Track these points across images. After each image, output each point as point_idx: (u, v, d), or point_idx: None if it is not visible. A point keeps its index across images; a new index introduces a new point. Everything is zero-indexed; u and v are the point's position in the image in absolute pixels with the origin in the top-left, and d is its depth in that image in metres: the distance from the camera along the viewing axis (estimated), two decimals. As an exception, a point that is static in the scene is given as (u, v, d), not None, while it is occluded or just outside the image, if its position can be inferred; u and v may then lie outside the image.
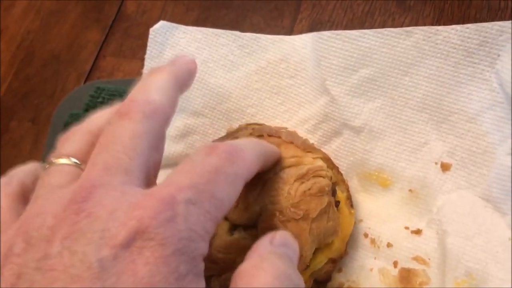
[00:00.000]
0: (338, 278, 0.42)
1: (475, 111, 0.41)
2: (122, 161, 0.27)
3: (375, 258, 0.42)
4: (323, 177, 0.39)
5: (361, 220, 0.43)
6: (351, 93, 0.45)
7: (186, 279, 0.24)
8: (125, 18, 0.61)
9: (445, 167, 0.42)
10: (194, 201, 0.25)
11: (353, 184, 0.45)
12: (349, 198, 0.42)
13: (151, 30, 0.50)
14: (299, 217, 0.37)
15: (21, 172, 0.32)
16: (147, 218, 0.24)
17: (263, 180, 0.38)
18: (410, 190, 0.42)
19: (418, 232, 0.41)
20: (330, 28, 0.54)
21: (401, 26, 0.52)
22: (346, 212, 0.41)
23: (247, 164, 0.30)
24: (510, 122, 0.40)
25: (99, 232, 0.23)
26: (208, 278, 0.38)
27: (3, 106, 0.61)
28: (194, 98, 0.49)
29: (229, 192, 0.28)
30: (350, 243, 0.42)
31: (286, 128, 0.45)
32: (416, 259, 0.40)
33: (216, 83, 0.49)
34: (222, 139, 0.44)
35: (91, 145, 0.30)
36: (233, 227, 0.39)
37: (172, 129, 0.49)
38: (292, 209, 0.37)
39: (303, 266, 0.38)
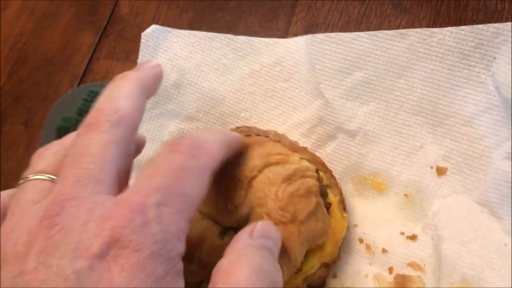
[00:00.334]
0: (333, 283, 0.42)
1: (471, 114, 0.41)
2: (92, 172, 0.27)
3: (370, 264, 0.41)
4: (310, 177, 0.39)
5: (356, 225, 0.43)
6: (345, 97, 0.45)
7: (165, 280, 0.24)
8: (118, 20, 0.61)
9: (440, 171, 0.41)
10: (164, 202, 0.25)
11: (348, 188, 0.44)
12: (341, 202, 0.42)
13: (143, 34, 0.49)
14: (287, 219, 0.36)
15: (2, 193, 0.32)
16: (119, 228, 0.24)
17: (249, 178, 0.37)
18: (405, 195, 0.42)
19: (413, 237, 0.40)
20: (326, 30, 0.53)
21: (397, 28, 0.51)
22: (338, 216, 0.41)
23: (211, 155, 0.30)
24: (506, 125, 0.39)
25: (73, 245, 0.24)
26: (199, 283, 0.38)
27: (-4, 109, 0.60)
28: (187, 103, 0.49)
29: (197, 186, 0.28)
30: (345, 248, 0.42)
31: (276, 131, 0.45)
32: (412, 265, 0.40)
33: (210, 87, 0.49)
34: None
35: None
36: (223, 231, 0.38)
37: (166, 134, 0.49)
38: (279, 212, 0.36)
39: (294, 269, 0.37)
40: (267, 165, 0.38)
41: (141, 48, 0.49)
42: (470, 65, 0.41)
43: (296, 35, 0.54)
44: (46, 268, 0.23)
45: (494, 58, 0.40)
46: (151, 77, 0.34)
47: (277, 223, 0.36)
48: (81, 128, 0.29)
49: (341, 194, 0.42)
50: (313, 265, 0.39)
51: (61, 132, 0.53)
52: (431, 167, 0.41)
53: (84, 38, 0.61)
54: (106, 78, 0.58)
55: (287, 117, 0.47)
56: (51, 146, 0.32)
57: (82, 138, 0.29)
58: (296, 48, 0.47)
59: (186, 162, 0.28)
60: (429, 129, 0.42)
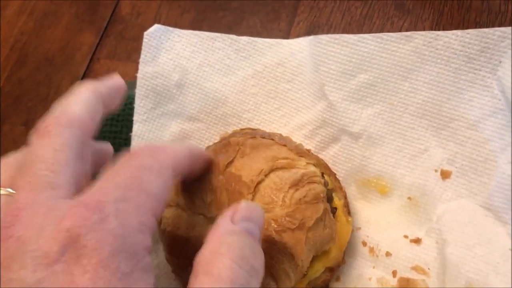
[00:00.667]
0: (336, 286, 0.41)
1: (476, 118, 0.40)
2: (46, 178, 0.27)
3: (373, 267, 0.41)
4: (318, 183, 0.39)
5: (359, 228, 0.42)
6: (349, 99, 0.44)
7: (132, 276, 0.24)
8: (119, 20, 0.61)
9: (445, 175, 0.41)
10: (122, 198, 0.25)
11: (351, 191, 0.44)
12: (346, 205, 0.42)
13: (146, 34, 0.49)
14: (295, 226, 0.36)
15: None
16: (76, 227, 0.23)
17: (255, 183, 0.37)
18: (409, 198, 0.42)
19: (417, 241, 0.40)
20: (328, 31, 0.53)
21: (400, 30, 0.51)
22: (343, 220, 0.41)
23: (170, 155, 0.30)
24: (511, 129, 0.39)
25: (30, 253, 0.23)
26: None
27: (-4, 109, 0.60)
28: (189, 103, 0.48)
29: (157, 183, 0.28)
30: (349, 251, 0.42)
31: (281, 134, 0.45)
32: (416, 268, 0.39)
33: (212, 88, 0.48)
34: (215, 144, 0.43)
35: None
36: None
37: (168, 134, 0.49)
38: (287, 218, 0.36)
39: (301, 275, 0.37)
40: (273, 169, 0.38)
41: (143, 48, 0.49)
42: (476, 69, 0.41)
43: (298, 35, 0.54)
44: (8, 282, 0.23)
45: (500, 62, 0.40)
46: (109, 86, 0.34)
47: (284, 229, 0.35)
48: (33, 136, 0.29)
49: (345, 197, 0.42)
50: (318, 269, 0.39)
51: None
52: (436, 171, 0.41)
53: (85, 38, 0.61)
54: (107, 78, 0.58)
55: (290, 119, 0.47)
56: (6, 159, 0.32)
57: (34, 146, 0.28)
58: (299, 49, 0.47)
59: (143, 162, 0.28)
60: (434, 132, 0.42)
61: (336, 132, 0.45)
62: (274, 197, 0.37)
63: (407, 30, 0.51)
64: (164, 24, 0.58)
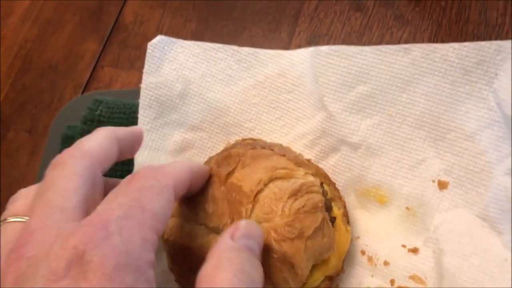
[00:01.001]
0: (335, 294, 0.42)
1: (473, 129, 0.41)
2: (56, 203, 0.29)
3: (372, 276, 0.42)
4: (316, 193, 0.39)
5: (358, 237, 0.43)
6: (348, 110, 0.45)
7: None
8: (122, 28, 0.61)
9: (442, 185, 0.42)
10: (125, 216, 0.27)
11: (351, 200, 0.45)
12: (345, 215, 0.42)
13: (149, 44, 0.50)
14: (294, 235, 0.37)
15: None
16: (81, 244, 0.25)
17: (255, 192, 0.38)
18: (407, 208, 0.42)
19: (415, 250, 0.41)
20: (328, 42, 0.54)
21: (399, 40, 0.52)
22: (342, 229, 0.41)
23: (170, 176, 0.32)
24: (507, 141, 0.40)
25: (41, 271, 0.25)
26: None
27: (0, 115, 0.61)
28: (192, 113, 0.49)
29: (158, 202, 0.29)
30: (347, 260, 0.42)
31: (281, 144, 0.45)
32: (413, 278, 0.40)
33: (214, 98, 0.49)
34: (218, 155, 0.44)
35: None
36: None
37: (170, 144, 0.49)
38: (286, 228, 0.37)
39: (300, 284, 0.38)
40: (272, 179, 0.39)
41: (146, 59, 0.50)
42: (472, 81, 0.42)
43: (299, 45, 0.55)
44: None
45: (496, 74, 0.41)
46: (127, 132, 0.36)
47: (284, 239, 0.36)
48: (49, 168, 0.31)
49: (344, 207, 0.43)
50: (318, 278, 0.39)
51: (66, 140, 0.54)
52: (433, 181, 0.42)
53: (88, 45, 0.62)
54: (110, 85, 0.59)
55: (291, 128, 0.48)
56: (26, 190, 0.34)
57: (48, 176, 0.30)
58: (300, 61, 0.48)
59: (145, 182, 0.30)
60: (431, 143, 0.43)
61: (336, 142, 0.45)
62: (273, 207, 0.38)
63: (406, 41, 0.52)
64: (166, 32, 0.59)
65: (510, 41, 0.41)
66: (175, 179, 0.32)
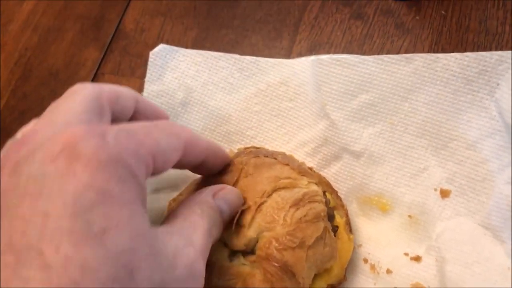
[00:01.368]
0: (338, 303, 0.42)
1: (475, 138, 0.41)
2: (61, 118, 0.30)
3: (374, 284, 0.42)
4: (319, 202, 0.40)
5: (360, 245, 0.43)
6: (351, 118, 0.45)
7: (127, 184, 0.26)
8: (123, 36, 0.61)
9: (444, 194, 0.42)
10: (127, 131, 0.28)
11: (353, 208, 0.45)
12: (348, 223, 0.43)
13: (151, 53, 0.50)
14: (295, 245, 0.37)
15: None
16: (78, 135, 0.26)
17: (258, 203, 0.38)
18: (409, 216, 0.43)
19: (417, 259, 0.41)
20: (329, 50, 0.54)
21: (400, 49, 0.52)
22: (345, 238, 0.41)
23: (187, 132, 0.33)
24: (509, 150, 0.40)
25: (37, 155, 0.25)
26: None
27: (1, 124, 0.60)
28: (194, 121, 0.49)
29: (165, 140, 0.30)
30: (350, 268, 0.42)
31: (284, 152, 0.46)
32: (416, 286, 0.40)
33: (216, 106, 0.49)
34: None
35: None
36: (232, 253, 0.39)
37: (172, 151, 0.49)
38: (288, 237, 0.37)
39: None
40: (275, 190, 0.39)
41: (148, 67, 0.50)
42: (474, 91, 0.42)
43: (300, 53, 0.55)
44: (16, 177, 0.25)
45: (498, 84, 0.41)
46: (151, 104, 0.39)
47: (285, 248, 0.36)
48: (62, 95, 0.33)
49: (347, 215, 0.43)
50: (320, 287, 0.39)
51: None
52: (435, 189, 0.42)
53: (89, 53, 0.62)
54: (111, 93, 0.59)
55: (292, 136, 0.48)
56: (36, 118, 0.35)
57: (59, 99, 0.32)
58: (301, 69, 0.48)
59: (161, 124, 0.31)
60: (433, 152, 0.43)
61: (338, 150, 0.46)
62: (275, 216, 0.38)
63: (406, 50, 0.52)
64: (167, 40, 0.59)
65: (511, 51, 0.41)
66: (191, 138, 0.33)
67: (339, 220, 0.42)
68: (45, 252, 0.22)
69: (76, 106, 0.31)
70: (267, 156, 0.42)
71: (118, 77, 0.60)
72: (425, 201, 0.42)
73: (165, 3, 0.62)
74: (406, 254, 0.42)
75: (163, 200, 0.46)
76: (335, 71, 0.46)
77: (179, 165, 0.34)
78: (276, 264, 0.36)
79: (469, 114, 0.42)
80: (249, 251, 0.38)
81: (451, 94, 0.43)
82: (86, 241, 0.23)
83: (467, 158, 0.42)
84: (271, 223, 0.37)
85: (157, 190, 0.48)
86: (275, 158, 0.42)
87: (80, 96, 0.32)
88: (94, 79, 0.60)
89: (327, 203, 0.41)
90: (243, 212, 0.38)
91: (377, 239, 0.43)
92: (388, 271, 0.42)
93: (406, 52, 0.52)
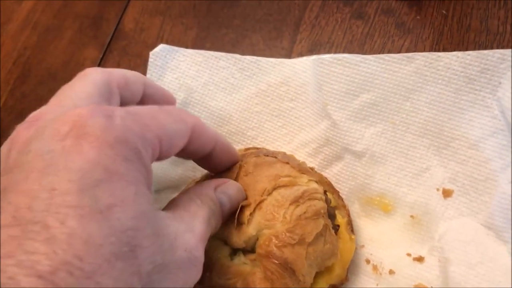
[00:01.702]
0: (339, 303, 0.42)
1: (477, 137, 0.41)
2: (70, 99, 0.32)
3: (377, 285, 0.42)
4: (318, 199, 0.39)
5: (362, 246, 0.43)
6: (352, 118, 0.45)
7: (134, 164, 0.26)
8: (123, 36, 0.61)
9: (446, 194, 0.42)
10: (134, 114, 0.28)
11: (355, 208, 0.45)
12: (349, 223, 0.42)
13: (151, 53, 0.50)
14: (295, 241, 0.37)
15: None
16: (86, 115, 0.26)
17: (258, 201, 0.38)
18: (411, 216, 0.42)
19: (420, 259, 0.41)
20: (330, 50, 0.54)
21: (401, 48, 0.52)
22: (346, 238, 0.41)
23: (195, 118, 0.33)
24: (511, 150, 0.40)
25: (48, 132, 0.26)
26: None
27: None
28: (194, 121, 0.49)
29: (172, 125, 0.30)
30: (352, 268, 0.42)
31: (284, 152, 0.45)
32: (418, 286, 0.40)
33: (217, 106, 0.49)
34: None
35: None
36: (233, 252, 0.39)
37: (172, 152, 0.49)
38: (287, 234, 0.37)
39: None
40: (275, 188, 0.38)
41: (149, 67, 0.50)
42: (476, 89, 0.42)
43: (300, 53, 0.54)
44: (24, 154, 0.26)
45: (500, 83, 0.41)
46: (159, 87, 0.40)
47: (285, 245, 0.36)
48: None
49: (348, 215, 0.42)
50: (322, 287, 0.39)
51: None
52: (437, 189, 0.42)
53: (88, 53, 0.62)
54: (110, 93, 0.58)
55: (293, 137, 0.48)
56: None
57: (69, 82, 0.34)
58: (302, 69, 0.48)
59: (169, 108, 0.32)
60: (435, 152, 0.43)
61: (340, 150, 0.45)
62: (275, 214, 0.37)
63: (407, 49, 0.52)
64: (167, 40, 0.59)
65: (513, 50, 0.41)
66: (199, 125, 0.33)
67: (340, 220, 0.41)
68: (50, 226, 0.23)
69: (85, 90, 0.32)
70: (267, 155, 0.42)
71: (117, 77, 0.59)
72: (428, 201, 0.42)
73: (164, 3, 0.61)
74: (409, 255, 0.42)
75: (164, 200, 0.46)
76: (336, 71, 0.45)
77: (185, 153, 0.34)
78: (276, 262, 0.36)
79: (471, 113, 0.42)
80: (249, 249, 0.38)
81: (453, 93, 0.42)
82: (92, 217, 0.23)
83: (470, 157, 0.41)
84: (271, 220, 0.37)
85: (158, 191, 0.48)
86: (275, 157, 0.42)
87: (89, 80, 0.33)
88: (93, 79, 0.60)
89: (327, 201, 0.40)
90: (243, 210, 0.38)
91: (379, 239, 0.43)
92: (391, 272, 0.41)
93: (407, 51, 0.51)
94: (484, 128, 0.41)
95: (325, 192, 0.41)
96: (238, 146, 0.48)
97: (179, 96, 0.49)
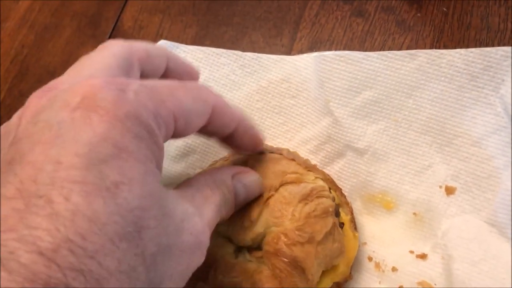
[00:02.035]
0: (342, 301, 0.42)
1: (480, 135, 0.41)
2: (87, 71, 0.31)
3: (379, 282, 0.41)
4: (326, 197, 0.39)
5: (365, 243, 0.43)
6: (354, 115, 0.45)
7: (144, 142, 0.25)
8: (121, 34, 0.61)
9: (449, 191, 0.42)
10: (150, 88, 0.27)
11: (357, 206, 0.44)
12: (352, 221, 0.42)
13: (152, 49, 0.49)
14: (304, 240, 0.36)
15: None
16: (98, 87, 0.25)
17: (265, 198, 0.38)
18: (414, 214, 0.42)
19: (423, 256, 0.41)
20: (330, 47, 0.54)
21: (401, 46, 0.52)
22: (350, 235, 0.41)
23: (216, 96, 0.32)
24: (514, 147, 0.40)
25: (58, 103, 0.25)
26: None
27: (-3, 122, 0.60)
28: (195, 118, 0.49)
29: (191, 102, 0.29)
30: (355, 266, 0.42)
31: (288, 149, 0.45)
32: (422, 284, 0.40)
33: (217, 103, 0.49)
34: (223, 160, 0.43)
35: None
36: (238, 250, 0.39)
37: (173, 149, 0.49)
38: (297, 232, 0.36)
39: None
40: (282, 184, 0.38)
41: (149, 64, 0.49)
42: (479, 87, 0.42)
43: (300, 51, 0.54)
44: (33, 125, 0.25)
45: (503, 80, 0.41)
46: (182, 62, 0.39)
47: (294, 243, 0.36)
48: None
49: (352, 213, 0.42)
50: (326, 285, 0.39)
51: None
52: (440, 187, 0.42)
53: (87, 51, 0.60)
54: (109, 91, 0.58)
55: (295, 134, 0.47)
56: None
57: (89, 53, 0.33)
58: (304, 66, 0.48)
59: (189, 84, 0.31)
60: (438, 149, 0.43)
61: (341, 147, 0.45)
62: (283, 211, 0.37)
63: (408, 47, 0.52)
64: (166, 38, 0.58)
65: (516, 47, 0.41)
66: (220, 103, 0.32)
67: (344, 217, 0.41)
68: (54, 201, 0.22)
69: (104, 61, 0.31)
70: (272, 152, 0.42)
71: (116, 75, 0.59)
72: (430, 199, 0.42)
73: (163, 1, 0.61)
74: (412, 252, 0.41)
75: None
76: (339, 67, 0.45)
77: (205, 132, 0.33)
78: (285, 260, 0.36)
79: (474, 111, 0.42)
80: (255, 247, 0.38)
81: (455, 91, 0.42)
82: (97, 194, 0.23)
83: (472, 155, 0.41)
84: (279, 218, 0.37)
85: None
86: (281, 154, 0.42)
87: (109, 52, 0.32)
88: (92, 77, 0.60)
89: (333, 199, 0.40)
90: (250, 207, 0.37)
91: (382, 237, 0.43)
92: (394, 269, 0.41)
93: (408, 49, 0.51)
94: (487, 125, 0.41)
95: (329, 189, 0.41)
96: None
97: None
